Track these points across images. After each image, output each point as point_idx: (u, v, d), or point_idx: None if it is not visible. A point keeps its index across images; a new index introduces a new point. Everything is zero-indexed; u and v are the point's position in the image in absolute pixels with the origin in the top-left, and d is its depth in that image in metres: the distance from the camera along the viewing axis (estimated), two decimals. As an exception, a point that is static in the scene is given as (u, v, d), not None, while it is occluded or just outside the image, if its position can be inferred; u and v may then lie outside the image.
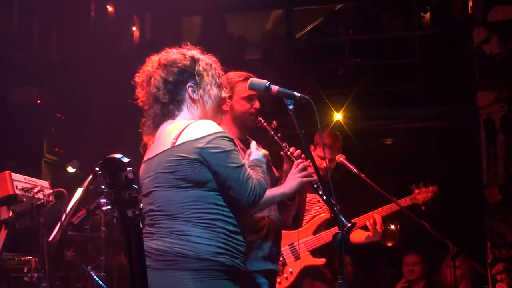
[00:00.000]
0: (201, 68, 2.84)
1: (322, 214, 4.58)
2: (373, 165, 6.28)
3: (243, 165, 2.71)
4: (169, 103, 2.80)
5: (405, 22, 9.03)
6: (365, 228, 4.67)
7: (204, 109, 2.83)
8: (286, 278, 4.38)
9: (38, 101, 7.57)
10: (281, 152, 3.56)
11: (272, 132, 3.51)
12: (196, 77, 2.81)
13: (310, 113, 2.90)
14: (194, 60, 2.84)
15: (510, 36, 7.45)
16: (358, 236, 4.67)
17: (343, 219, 3.52)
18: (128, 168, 2.01)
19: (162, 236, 2.66)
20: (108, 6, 9.05)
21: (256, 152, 3.00)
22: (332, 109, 7.83)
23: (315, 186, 3.42)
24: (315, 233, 4.52)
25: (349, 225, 3.43)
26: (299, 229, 4.49)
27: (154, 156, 2.78)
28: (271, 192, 3.38)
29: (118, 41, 9.27)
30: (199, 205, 2.65)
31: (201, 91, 2.81)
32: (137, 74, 2.91)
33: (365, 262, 7.64)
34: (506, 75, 7.33)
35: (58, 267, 5.17)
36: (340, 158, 4.51)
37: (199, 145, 2.65)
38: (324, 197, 3.32)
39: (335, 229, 4.42)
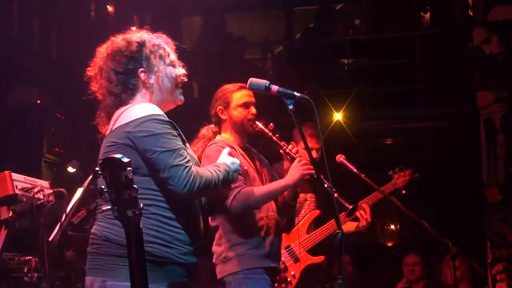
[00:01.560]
0: (148, 51, 2.76)
1: (312, 212, 4.60)
2: (373, 165, 6.28)
3: (175, 149, 2.58)
4: (121, 93, 2.73)
5: (405, 22, 9.02)
6: (354, 219, 4.67)
7: (159, 91, 2.77)
8: (290, 282, 4.38)
9: (38, 101, 7.56)
10: (281, 151, 3.70)
11: (270, 134, 3.68)
12: (145, 62, 2.74)
13: (310, 113, 2.90)
14: (140, 44, 2.76)
15: (510, 36, 7.45)
16: (348, 226, 4.66)
17: (344, 202, 3.67)
18: (128, 168, 2.01)
19: (98, 220, 2.64)
20: (108, 6, 9.05)
21: (226, 157, 2.89)
22: (332, 109, 7.82)
23: (315, 177, 3.50)
24: (308, 231, 4.53)
25: (351, 207, 3.59)
26: (292, 230, 4.51)
27: (102, 143, 2.76)
28: (275, 185, 3.58)
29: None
30: None
31: (152, 75, 2.75)
32: (89, 68, 2.85)
33: (365, 262, 7.64)
34: (506, 75, 7.33)
35: (58, 267, 5.17)
36: (340, 158, 4.51)
37: (127, 129, 2.59)
38: (326, 185, 3.43)
39: (328, 225, 4.48)
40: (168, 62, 2.80)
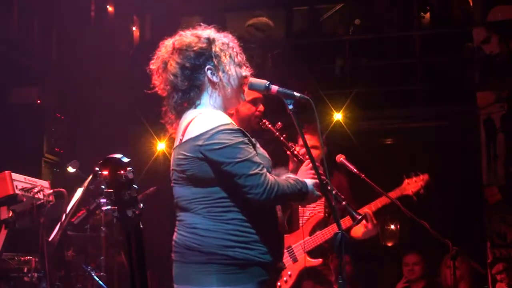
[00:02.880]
0: (218, 49, 2.72)
1: (316, 215, 4.58)
2: (373, 165, 6.28)
3: (249, 158, 2.58)
4: (188, 90, 2.70)
5: (405, 22, 9.02)
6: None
7: (225, 91, 2.74)
8: (286, 281, 4.38)
9: (38, 101, 7.57)
10: (288, 152, 3.67)
11: (277, 134, 3.64)
12: (214, 59, 2.71)
13: (310, 113, 2.89)
14: (210, 41, 2.73)
15: (510, 36, 7.44)
16: (355, 232, 4.63)
17: (354, 212, 3.57)
18: (128, 168, 2.01)
19: (178, 229, 2.67)
20: (108, 6, 9.06)
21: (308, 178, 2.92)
22: (332, 109, 7.82)
23: (324, 182, 3.48)
24: (311, 234, 4.52)
25: (359, 217, 3.51)
26: (296, 232, 4.50)
27: (174, 149, 2.74)
28: None
29: (118, 41, 9.27)
30: (209, 199, 2.60)
31: (220, 73, 2.71)
32: (152, 61, 2.80)
33: (365, 262, 7.64)
34: (506, 75, 7.32)
35: (58, 267, 5.18)
36: (340, 158, 4.50)
37: (199, 143, 2.57)
38: (334, 192, 3.41)
39: (330, 228, 4.46)
40: (236, 62, 2.78)
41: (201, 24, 2.83)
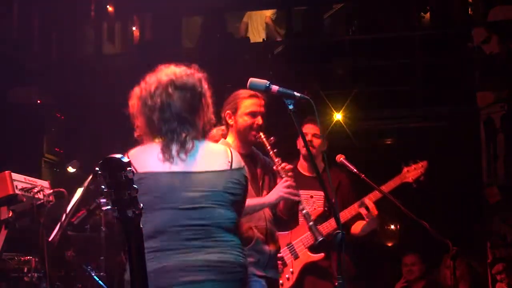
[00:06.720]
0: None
1: (316, 209, 4.59)
2: (373, 165, 6.28)
3: None
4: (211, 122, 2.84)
5: (405, 22, 9.02)
6: (359, 217, 4.63)
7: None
8: (288, 279, 4.39)
9: (38, 101, 7.58)
10: (274, 167, 3.73)
11: (269, 147, 3.71)
12: None
13: (310, 113, 2.90)
14: None
15: (510, 36, 7.44)
16: (354, 228, 4.63)
17: (316, 232, 3.60)
18: (128, 168, 2.01)
19: (226, 249, 2.69)
20: (108, 6, 9.06)
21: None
22: (332, 109, 7.82)
23: (296, 201, 3.67)
24: None
25: (320, 239, 3.55)
26: (294, 228, 4.51)
27: (201, 172, 2.70)
28: (254, 202, 3.57)
29: (118, 41, 9.27)
30: (237, 224, 2.79)
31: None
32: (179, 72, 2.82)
33: (365, 261, 7.64)
34: (506, 75, 7.32)
35: (58, 267, 5.18)
36: (340, 158, 4.51)
37: (246, 174, 2.79)
38: (305, 211, 3.63)
39: (328, 223, 4.47)
40: None
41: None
